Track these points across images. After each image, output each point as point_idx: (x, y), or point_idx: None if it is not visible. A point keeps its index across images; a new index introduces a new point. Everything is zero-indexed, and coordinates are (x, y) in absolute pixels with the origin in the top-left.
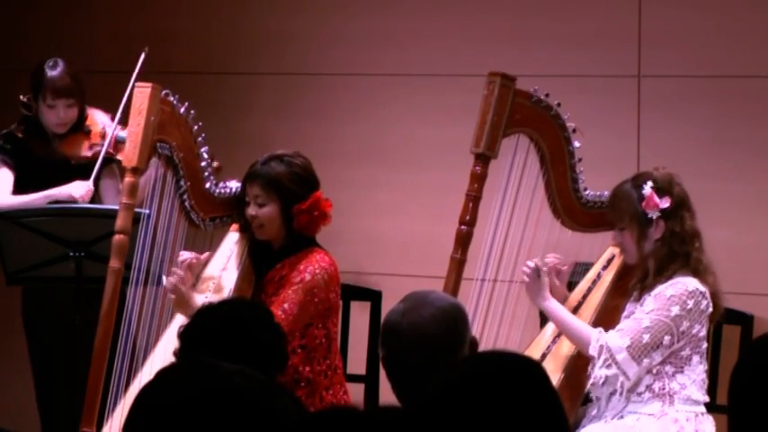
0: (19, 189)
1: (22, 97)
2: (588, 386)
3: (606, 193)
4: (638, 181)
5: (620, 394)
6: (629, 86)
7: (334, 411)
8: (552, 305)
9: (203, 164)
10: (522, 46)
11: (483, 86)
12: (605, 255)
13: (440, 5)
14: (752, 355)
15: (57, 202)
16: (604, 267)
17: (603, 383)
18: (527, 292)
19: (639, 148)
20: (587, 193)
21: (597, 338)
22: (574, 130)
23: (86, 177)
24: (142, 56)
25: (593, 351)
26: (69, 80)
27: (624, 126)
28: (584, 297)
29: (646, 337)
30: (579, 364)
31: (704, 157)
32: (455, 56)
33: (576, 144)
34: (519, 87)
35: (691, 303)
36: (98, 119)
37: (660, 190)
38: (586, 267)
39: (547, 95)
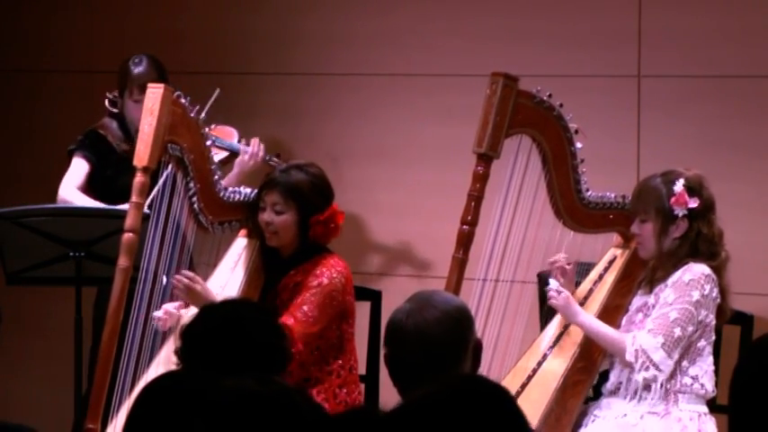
0: (99, 185)
1: (108, 94)
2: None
3: (609, 194)
4: (669, 177)
5: (659, 388)
6: (629, 86)
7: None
8: (586, 319)
9: (213, 166)
10: (523, 46)
11: (485, 86)
12: (607, 256)
13: (441, 7)
14: (752, 356)
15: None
16: (606, 268)
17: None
18: (560, 313)
19: (639, 149)
20: (589, 194)
21: (632, 343)
22: (576, 131)
23: None
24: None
25: (630, 357)
26: (156, 76)
27: (624, 126)
28: (586, 298)
29: (677, 331)
30: (579, 365)
31: (704, 157)
32: (456, 56)
33: (579, 145)
34: (521, 88)
35: (707, 288)
36: None
37: (691, 189)
38: (588, 268)
39: (549, 96)
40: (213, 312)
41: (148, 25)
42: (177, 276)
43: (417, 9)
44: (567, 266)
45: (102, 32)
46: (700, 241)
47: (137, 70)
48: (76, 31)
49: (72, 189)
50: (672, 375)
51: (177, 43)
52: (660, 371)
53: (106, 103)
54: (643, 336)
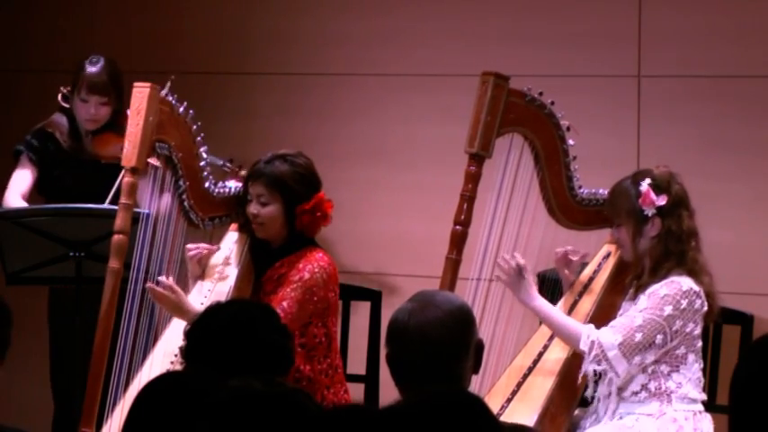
0: (46, 186)
1: (62, 89)
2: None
3: (602, 190)
4: (636, 178)
5: (610, 394)
6: (629, 86)
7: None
8: (540, 303)
9: (202, 163)
10: (522, 46)
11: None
12: (601, 252)
13: (440, 6)
14: (752, 356)
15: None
16: (600, 265)
17: (598, 381)
18: (511, 290)
19: (639, 148)
20: (582, 191)
21: (588, 334)
22: (568, 129)
23: (115, 178)
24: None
25: (583, 346)
26: (107, 78)
27: (624, 126)
28: (580, 295)
29: (638, 336)
30: (575, 364)
31: (704, 157)
32: (455, 56)
33: (571, 142)
34: (513, 87)
35: (684, 303)
36: None
37: (657, 187)
38: (582, 265)
39: (540, 94)
40: (220, 312)
41: (147, 26)
42: (150, 285)
43: (415, 9)
44: (573, 258)
45: (103, 33)
46: (669, 239)
47: (89, 69)
48: (77, 32)
49: (16, 197)
50: (654, 378)
51: (175, 43)
52: (615, 372)
53: (59, 98)
54: (603, 331)
